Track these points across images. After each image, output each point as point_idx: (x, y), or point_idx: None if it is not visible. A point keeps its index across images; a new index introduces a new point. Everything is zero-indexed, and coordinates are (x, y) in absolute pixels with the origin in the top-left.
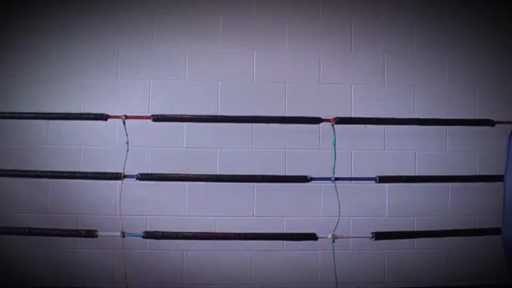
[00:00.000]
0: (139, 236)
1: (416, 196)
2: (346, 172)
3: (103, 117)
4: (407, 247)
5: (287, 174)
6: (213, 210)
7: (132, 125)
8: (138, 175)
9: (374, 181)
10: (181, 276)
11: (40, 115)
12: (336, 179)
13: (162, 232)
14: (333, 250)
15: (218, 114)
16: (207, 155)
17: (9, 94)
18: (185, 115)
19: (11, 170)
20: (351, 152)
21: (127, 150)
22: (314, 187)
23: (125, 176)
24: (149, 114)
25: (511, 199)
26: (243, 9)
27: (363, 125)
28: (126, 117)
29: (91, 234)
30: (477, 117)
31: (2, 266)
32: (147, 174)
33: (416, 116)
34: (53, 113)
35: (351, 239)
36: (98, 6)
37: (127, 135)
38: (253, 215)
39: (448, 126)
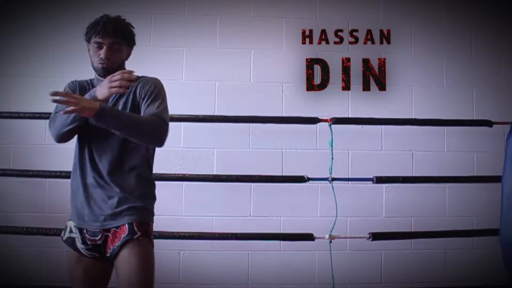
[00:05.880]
0: None
1: (413, 196)
2: (343, 172)
3: None
4: (404, 247)
5: (284, 174)
6: (210, 210)
7: None
8: None
9: (371, 182)
10: (178, 276)
11: (38, 115)
12: (333, 179)
13: (159, 232)
14: (330, 250)
15: (215, 114)
16: (204, 155)
17: (7, 94)
18: (182, 115)
19: (9, 170)
20: (349, 152)
21: None
22: (311, 187)
23: None
24: None
25: (509, 199)
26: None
27: (360, 126)
28: None
29: None
30: (475, 118)
31: (0, 265)
32: None
33: (414, 117)
34: (51, 113)
35: (348, 239)
36: (95, 5)
37: None
38: (250, 215)
39: (446, 127)
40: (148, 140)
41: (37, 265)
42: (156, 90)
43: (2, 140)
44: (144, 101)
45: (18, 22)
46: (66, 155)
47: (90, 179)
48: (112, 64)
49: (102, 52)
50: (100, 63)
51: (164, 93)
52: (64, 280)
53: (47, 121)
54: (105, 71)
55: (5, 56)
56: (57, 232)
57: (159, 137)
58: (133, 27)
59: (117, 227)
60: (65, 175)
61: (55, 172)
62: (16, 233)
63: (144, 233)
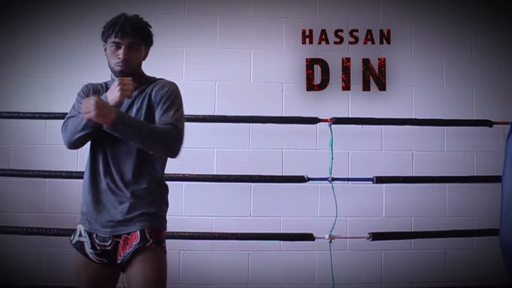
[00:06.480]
0: None
1: (413, 196)
2: (343, 172)
3: None
4: (404, 247)
5: (284, 174)
6: (210, 210)
7: None
8: None
9: (371, 182)
10: (178, 276)
11: (38, 115)
12: (333, 179)
13: None
14: (330, 250)
15: (215, 114)
16: (204, 155)
17: (7, 94)
18: None
19: (9, 170)
20: (349, 152)
21: None
22: (311, 187)
23: None
24: None
25: (508, 199)
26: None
27: (360, 126)
28: None
29: None
30: (475, 118)
31: (0, 265)
32: None
33: (414, 117)
34: (51, 113)
35: (348, 239)
36: (95, 5)
37: None
38: (250, 215)
39: (446, 127)
40: (162, 151)
41: (37, 265)
42: (172, 96)
43: (2, 140)
44: (159, 107)
45: (18, 22)
46: (66, 155)
47: (102, 183)
48: (130, 66)
49: (121, 53)
50: (118, 65)
51: (181, 100)
52: (64, 280)
53: (47, 121)
54: (123, 73)
55: (5, 56)
56: (57, 232)
57: (174, 149)
58: (151, 27)
59: (128, 234)
60: (65, 175)
61: (55, 172)
62: (16, 233)
63: (156, 241)
